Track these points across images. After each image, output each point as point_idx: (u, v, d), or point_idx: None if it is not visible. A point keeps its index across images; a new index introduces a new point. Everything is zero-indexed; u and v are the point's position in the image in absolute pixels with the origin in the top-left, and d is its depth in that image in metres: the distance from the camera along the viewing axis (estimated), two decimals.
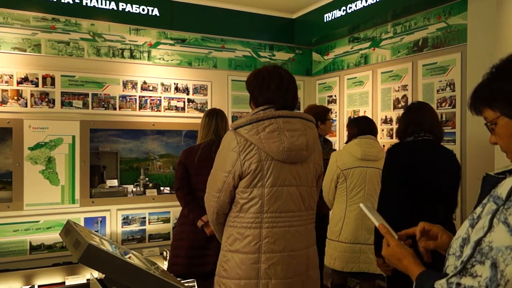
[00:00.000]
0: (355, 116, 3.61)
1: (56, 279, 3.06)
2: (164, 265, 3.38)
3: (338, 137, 3.98)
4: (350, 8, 3.61)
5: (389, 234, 1.05)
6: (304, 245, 1.59)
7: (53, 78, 3.31)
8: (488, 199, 0.80)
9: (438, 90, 3.12)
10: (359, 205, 1.18)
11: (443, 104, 3.07)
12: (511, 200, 0.74)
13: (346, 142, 2.80)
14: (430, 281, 0.83)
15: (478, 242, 0.75)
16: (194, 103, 3.84)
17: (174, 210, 3.69)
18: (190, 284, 3.24)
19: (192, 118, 3.81)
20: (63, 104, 3.33)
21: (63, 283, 3.03)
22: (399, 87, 3.44)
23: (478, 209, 0.82)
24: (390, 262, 1.03)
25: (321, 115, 3.07)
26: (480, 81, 0.96)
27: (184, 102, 3.79)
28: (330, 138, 3.71)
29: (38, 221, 3.21)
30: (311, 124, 1.63)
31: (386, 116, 3.54)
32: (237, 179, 1.54)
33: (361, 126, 2.74)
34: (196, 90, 3.85)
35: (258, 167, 1.52)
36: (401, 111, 3.38)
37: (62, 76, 3.33)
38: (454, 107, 3.00)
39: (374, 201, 2.51)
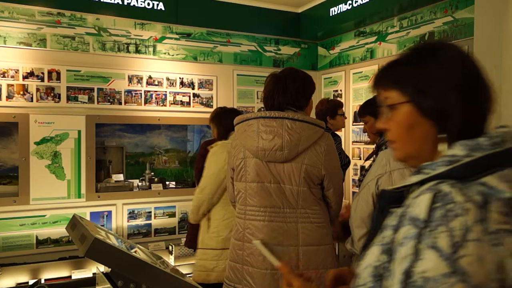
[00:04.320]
0: None
1: (62, 273, 3.09)
2: (170, 259, 3.40)
3: (344, 132, 3.97)
4: (356, 2, 3.58)
5: (291, 273, 0.94)
6: (292, 242, 1.62)
7: (58, 73, 3.32)
8: (400, 221, 0.70)
9: None
10: (253, 242, 1.14)
11: None
12: (432, 220, 0.65)
13: (221, 137, 2.50)
14: None
15: (407, 274, 0.65)
16: (199, 98, 3.84)
17: (180, 204, 3.70)
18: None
19: (197, 113, 3.81)
20: (68, 98, 3.34)
21: (70, 277, 3.05)
22: None
23: (388, 233, 0.72)
24: None
25: (330, 110, 3.06)
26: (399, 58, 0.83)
27: (189, 96, 3.79)
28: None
29: (45, 216, 3.24)
30: (302, 125, 1.62)
31: None
32: (231, 172, 1.75)
33: (233, 117, 2.58)
34: (201, 85, 3.84)
35: (241, 163, 1.69)
36: None
37: (67, 70, 3.34)
38: None
39: None
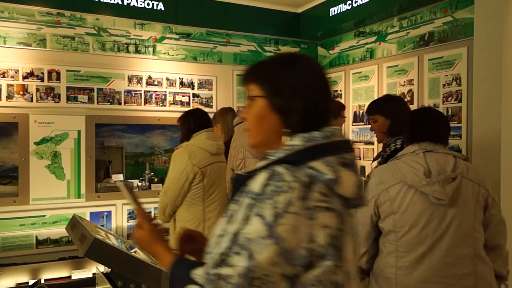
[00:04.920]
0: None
1: (62, 273, 3.09)
2: None
3: (343, 132, 3.96)
4: (356, 2, 3.58)
5: (144, 217, 1.03)
6: None
7: (58, 73, 3.32)
8: (241, 195, 0.82)
9: (444, 85, 3.09)
10: (116, 183, 1.19)
11: (449, 99, 3.04)
12: (263, 194, 0.78)
13: (185, 139, 2.48)
14: (186, 270, 0.83)
15: (236, 234, 0.78)
16: (199, 98, 3.84)
17: None
18: None
19: None
20: (68, 98, 3.34)
21: (69, 277, 3.05)
22: (405, 81, 3.41)
23: (233, 206, 0.83)
24: (140, 245, 1.03)
25: (335, 110, 3.06)
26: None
27: (189, 97, 3.79)
28: None
29: (44, 216, 3.24)
30: None
31: None
32: (231, 172, 1.71)
33: (200, 118, 2.51)
34: (201, 85, 3.84)
35: (241, 163, 1.71)
36: None
37: (67, 71, 3.34)
38: (460, 101, 2.97)
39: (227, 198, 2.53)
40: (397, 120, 2.07)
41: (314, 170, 0.81)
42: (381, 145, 3.67)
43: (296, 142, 0.86)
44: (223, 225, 0.83)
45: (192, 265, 0.84)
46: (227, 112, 3.10)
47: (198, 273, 0.80)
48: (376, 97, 3.68)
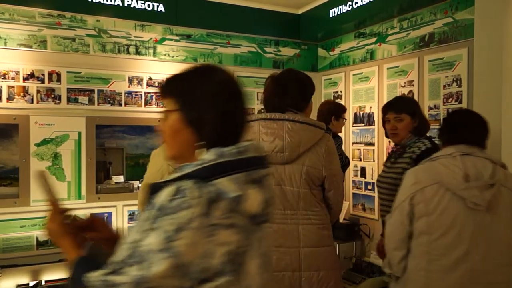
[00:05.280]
0: None
1: (63, 274, 3.09)
2: None
3: (344, 134, 3.97)
4: (356, 3, 3.59)
5: (56, 210, 1.08)
6: (293, 244, 1.62)
7: (59, 74, 3.32)
8: (150, 206, 0.84)
9: (444, 86, 3.09)
10: (38, 171, 1.21)
11: (450, 100, 3.04)
12: (166, 208, 0.80)
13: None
14: (84, 271, 0.85)
15: (135, 245, 0.80)
16: None
17: None
18: None
19: None
20: (69, 100, 3.34)
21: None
22: (405, 82, 3.41)
23: (143, 215, 0.85)
24: (51, 237, 1.07)
25: (337, 111, 3.06)
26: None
27: None
28: None
29: (45, 217, 3.23)
30: (303, 126, 1.62)
31: None
32: None
33: None
34: None
35: None
36: None
37: (68, 72, 3.34)
38: (460, 102, 2.97)
39: None
40: (423, 120, 2.13)
41: (220, 187, 0.83)
42: (380, 145, 3.66)
43: (208, 156, 0.86)
44: (130, 233, 0.85)
45: (92, 266, 0.85)
46: None
47: (92, 277, 0.82)
48: (376, 98, 3.68)
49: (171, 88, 0.96)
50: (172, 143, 0.94)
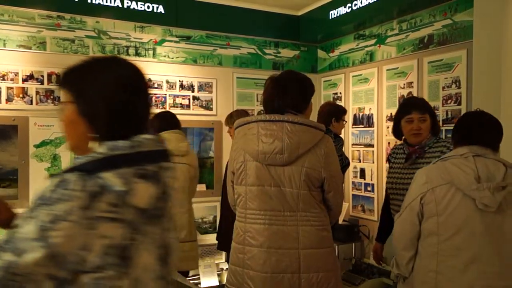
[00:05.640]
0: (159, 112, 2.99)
1: None
2: None
3: (344, 135, 3.97)
4: (355, 5, 3.59)
5: None
6: (292, 245, 1.62)
7: (58, 76, 3.31)
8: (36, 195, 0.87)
9: (443, 87, 3.10)
10: None
11: (449, 101, 3.05)
12: (47, 199, 0.81)
13: None
14: None
15: (14, 231, 0.82)
16: (199, 101, 3.84)
17: None
18: (196, 281, 3.25)
19: (197, 116, 3.81)
20: None
21: None
22: (404, 84, 3.42)
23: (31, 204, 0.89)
24: None
25: (337, 113, 3.06)
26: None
27: (189, 99, 3.79)
28: None
29: None
30: (302, 128, 1.62)
31: (391, 114, 3.52)
32: (232, 175, 1.75)
33: (165, 120, 2.63)
34: (201, 88, 3.85)
35: (241, 166, 1.68)
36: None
37: None
38: (459, 104, 2.98)
39: (185, 197, 2.58)
40: (436, 121, 2.14)
41: (106, 181, 0.83)
42: (380, 146, 3.66)
43: (100, 149, 0.87)
44: (17, 219, 0.87)
45: None
46: (242, 114, 3.05)
47: None
48: (376, 100, 3.69)
49: (66, 80, 0.97)
50: (68, 134, 0.96)
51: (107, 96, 0.90)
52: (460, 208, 1.44)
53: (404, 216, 1.55)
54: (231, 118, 2.96)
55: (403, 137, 2.22)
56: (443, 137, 3.05)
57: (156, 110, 3.66)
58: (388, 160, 2.40)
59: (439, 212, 1.46)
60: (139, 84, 0.98)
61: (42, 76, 3.27)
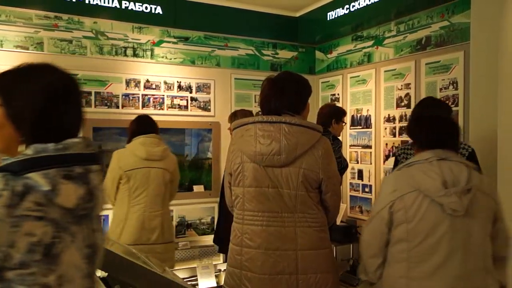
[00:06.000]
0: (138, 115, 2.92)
1: None
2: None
3: (342, 136, 3.97)
4: (353, 6, 3.60)
5: None
6: (290, 247, 1.62)
7: None
8: None
9: (441, 89, 3.11)
10: None
11: (446, 103, 3.05)
12: None
13: (128, 142, 2.69)
14: None
15: None
16: (197, 102, 3.84)
17: (177, 208, 3.69)
18: (194, 283, 3.24)
19: (195, 117, 3.81)
20: None
21: None
22: (402, 85, 3.42)
23: None
24: None
25: (337, 114, 3.06)
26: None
27: (187, 100, 3.79)
28: None
29: None
30: (299, 129, 1.62)
31: (389, 115, 3.53)
32: (229, 177, 1.74)
33: (142, 124, 2.66)
34: (199, 89, 3.84)
35: (239, 168, 1.67)
36: (403, 110, 3.38)
37: None
38: (457, 105, 2.98)
39: (159, 200, 2.59)
40: None
41: (31, 181, 0.86)
42: (377, 147, 3.66)
43: (28, 151, 0.91)
44: None
45: None
46: (246, 115, 3.03)
47: None
48: (373, 101, 3.69)
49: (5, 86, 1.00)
50: None
51: (33, 102, 0.94)
52: (429, 214, 1.45)
53: (373, 224, 1.57)
54: (235, 116, 2.97)
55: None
56: None
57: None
58: (396, 160, 2.38)
59: (408, 219, 1.48)
60: (70, 92, 1.03)
61: None
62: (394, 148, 3.46)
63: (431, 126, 1.62)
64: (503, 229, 1.53)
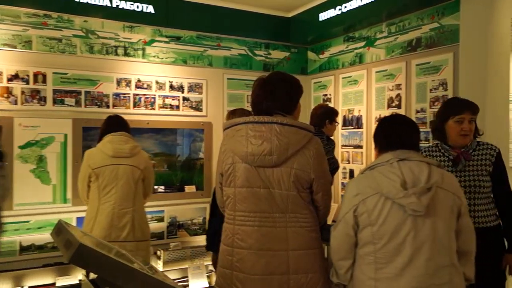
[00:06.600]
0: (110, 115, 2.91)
1: (46, 280, 3.02)
2: (158, 265, 3.35)
3: (333, 136, 3.98)
4: (345, 7, 3.61)
5: None
6: (282, 247, 1.61)
7: (44, 75, 3.26)
8: None
9: (431, 89, 3.13)
10: None
11: (436, 103, 3.08)
12: None
13: (98, 141, 2.72)
14: None
15: None
16: (189, 102, 3.81)
17: (168, 209, 3.67)
18: (185, 284, 3.22)
19: (187, 117, 3.79)
20: (55, 102, 3.29)
21: (54, 284, 2.99)
22: (393, 86, 3.44)
23: None
24: None
25: (331, 114, 3.06)
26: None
27: (179, 100, 3.77)
28: None
29: (29, 221, 3.17)
30: (291, 129, 1.62)
31: (380, 115, 3.54)
32: (220, 177, 1.72)
33: (111, 124, 2.71)
34: (191, 89, 3.82)
35: (230, 168, 1.66)
36: (394, 110, 3.39)
37: (54, 73, 3.29)
38: None
39: (129, 198, 2.61)
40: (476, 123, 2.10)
41: None
42: (369, 147, 3.68)
43: None
44: None
45: None
46: (245, 114, 2.98)
47: None
48: (365, 101, 3.71)
49: None
50: None
51: None
52: (392, 215, 1.48)
53: (340, 228, 1.60)
54: (234, 115, 2.96)
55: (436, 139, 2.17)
56: (430, 139, 3.09)
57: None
58: None
59: (372, 222, 1.50)
60: None
61: (28, 75, 3.21)
62: None
63: (389, 127, 1.64)
64: (467, 223, 1.56)
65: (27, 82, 3.20)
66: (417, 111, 3.22)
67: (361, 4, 3.45)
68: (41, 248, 3.20)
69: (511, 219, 2.03)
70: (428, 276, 1.45)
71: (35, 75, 3.23)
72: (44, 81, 3.26)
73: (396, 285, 1.46)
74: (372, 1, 3.35)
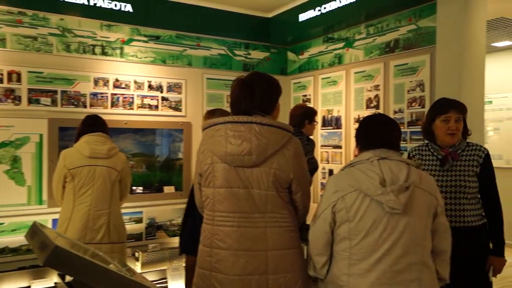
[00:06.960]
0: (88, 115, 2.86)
1: (21, 283, 2.94)
2: (136, 266, 3.31)
3: (313, 136, 4.02)
4: (324, 8, 3.65)
5: None
6: (261, 247, 1.61)
7: (19, 74, 3.17)
8: None
9: (408, 90, 3.20)
10: None
11: (413, 104, 3.15)
12: None
13: (75, 141, 2.71)
14: None
15: None
16: (168, 102, 3.78)
17: (147, 210, 3.62)
18: (163, 285, 3.19)
19: (165, 117, 3.75)
20: (30, 101, 3.21)
21: (29, 287, 2.91)
22: (371, 87, 3.50)
23: None
24: None
25: (310, 114, 3.08)
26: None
27: (157, 100, 3.73)
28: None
29: (2, 224, 3.08)
30: (270, 129, 1.62)
31: (359, 115, 3.60)
32: (199, 177, 1.71)
33: (88, 124, 2.70)
34: (170, 88, 3.79)
35: (209, 168, 1.65)
36: (373, 111, 3.45)
37: (29, 72, 3.20)
38: (423, 107, 3.08)
39: (105, 199, 2.60)
40: (466, 123, 2.11)
41: None
42: (348, 147, 3.71)
43: None
44: None
45: None
46: (225, 114, 2.94)
47: None
48: (344, 102, 3.76)
49: None
50: None
51: None
52: (369, 212, 1.51)
53: (317, 225, 1.63)
54: (213, 115, 2.95)
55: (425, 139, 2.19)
56: (408, 140, 3.15)
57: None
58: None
59: (349, 218, 1.53)
60: None
61: (2, 74, 3.12)
62: None
63: (371, 126, 1.67)
64: (443, 223, 1.60)
65: (1, 81, 3.11)
66: (395, 112, 3.28)
67: (340, 5, 3.50)
68: (15, 250, 3.11)
69: (497, 221, 2.05)
70: (396, 273, 1.48)
71: (9, 73, 3.14)
72: (18, 80, 3.17)
73: (367, 280, 1.49)
74: (351, 3, 3.40)
